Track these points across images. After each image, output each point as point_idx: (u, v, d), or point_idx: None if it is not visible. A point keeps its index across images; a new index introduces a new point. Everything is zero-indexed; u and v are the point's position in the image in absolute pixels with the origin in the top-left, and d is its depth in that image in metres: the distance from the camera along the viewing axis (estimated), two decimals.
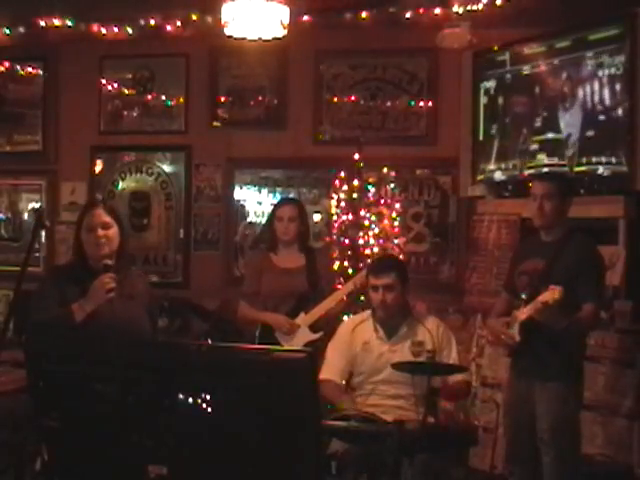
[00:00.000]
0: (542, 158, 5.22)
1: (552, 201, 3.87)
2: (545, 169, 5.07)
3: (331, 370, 4.06)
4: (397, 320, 4.05)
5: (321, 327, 4.63)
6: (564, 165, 5.04)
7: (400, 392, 3.90)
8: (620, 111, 4.72)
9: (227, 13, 4.34)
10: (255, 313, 4.72)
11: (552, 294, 3.49)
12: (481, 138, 5.73)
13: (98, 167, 6.79)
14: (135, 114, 6.70)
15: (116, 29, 6.16)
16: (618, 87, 4.73)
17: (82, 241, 3.48)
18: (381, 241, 5.09)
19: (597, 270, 3.86)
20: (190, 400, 2.03)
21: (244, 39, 4.62)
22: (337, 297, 4.67)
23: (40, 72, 6.85)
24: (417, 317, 4.13)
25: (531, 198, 3.96)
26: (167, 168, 6.68)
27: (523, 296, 3.82)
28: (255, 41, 4.68)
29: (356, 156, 5.20)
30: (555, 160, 5.12)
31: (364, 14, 5.66)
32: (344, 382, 4.20)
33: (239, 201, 6.49)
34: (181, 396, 2.04)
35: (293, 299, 4.67)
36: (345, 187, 5.19)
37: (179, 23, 6.04)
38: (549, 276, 3.75)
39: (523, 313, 3.74)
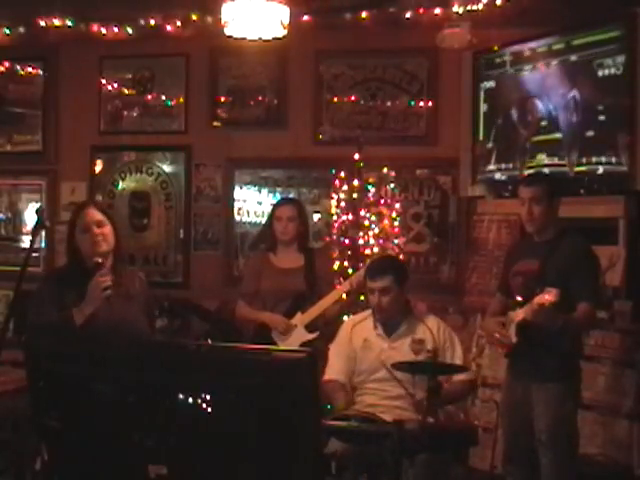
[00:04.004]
0: (542, 158, 5.22)
1: (540, 204, 3.87)
2: (546, 169, 5.07)
3: (333, 370, 4.06)
4: (397, 318, 4.05)
5: (317, 327, 4.63)
6: (564, 165, 5.04)
7: (400, 392, 3.90)
8: (620, 111, 4.72)
9: (227, 13, 4.34)
10: (252, 312, 4.73)
11: (548, 296, 3.48)
12: (481, 138, 5.73)
13: (98, 167, 6.79)
14: (135, 114, 6.70)
15: (116, 29, 6.16)
16: (618, 87, 4.73)
17: (77, 243, 3.46)
18: (381, 241, 5.08)
19: (591, 269, 3.85)
20: (190, 400, 2.03)
21: (244, 39, 4.62)
22: (333, 297, 4.66)
23: (40, 72, 6.86)
24: (418, 315, 4.13)
25: (519, 202, 3.96)
26: (167, 168, 6.68)
27: (518, 297, 3.82)
28: (255, 41, 4.68)
29: (356, 156, 5.20)
30: (555, 160, 5.12)
31: (364, 14, 5.66)
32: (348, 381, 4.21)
33: (239, 201, 6.49)
34: (181, 396, 2.04)
35: (290, 299, 4.67)
36: (345, 187, 5.19)
37: (179, 23, 6.04)
38: (543, 276, 3.75)
39: (519, 314, 3.74)
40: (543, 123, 5.24)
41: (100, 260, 3.39)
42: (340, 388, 4.02)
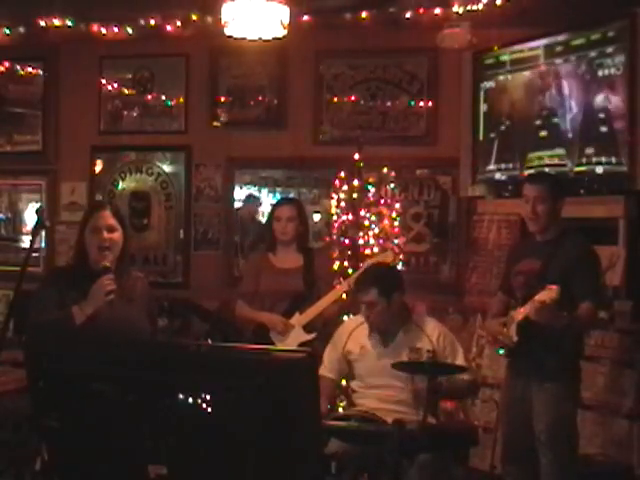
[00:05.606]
0: (542, 158, 5.22)
1: (545, 203, 3.86)
2: (546, 169, 5.07)
3: (324, 367, 4.05)
4: (394, 327, 4.00)
5: (315, 328, 4.62)
6: (564, 165, 5.04)
7: (400, 397, 3.89)
8: (620, 111, 4.72)
9: (227, 13, 4.34)
10: (251, 313, 4.72)
11: (549, 293, 3.48)
12: (481, 138, 5.73)
13: (98, 167, 6.80)
14: (135, 114, 6.70)
15: (116, 29, 6.17)
16: (618, 87, 4.73)
17: (85, 242, 3.47)
18: (381, 241, 5.08)
19: (593, 268, 3.85)
20: (190, 400, 2.03)
21: (244, 39, 4.62)
22: (331, 298, 4.64)
23: (40, 72, 6.86)
24: (416, 321, 4.05)
25: (523, 200, 3.96)
26: (167, 168, 6.68)
27: (519, 297, 3.82)
28: (255, 41, 4.68)
29: (356, 156, 5.20)
30: (555, 160, 5.12)
31: (364, 14, 5.66)
32: (343, 383, 4.20)
33: (239, 201, 6.49)
34: (181, 396, 2.04)
35: (289, 299, 4.67)
36: (345, 187, 5.19)
37: (179, 23, 6.05)
38: (545, 276, 3.74)
39: (520, 313, 3.73)
40: (543, 123, 5.24)
41: (108, 264, 3.38)
42: (327, 389, 3.99)
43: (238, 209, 6.46)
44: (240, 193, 6.48)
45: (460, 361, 3.98)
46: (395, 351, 3.94)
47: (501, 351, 4.00)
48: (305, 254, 4.75)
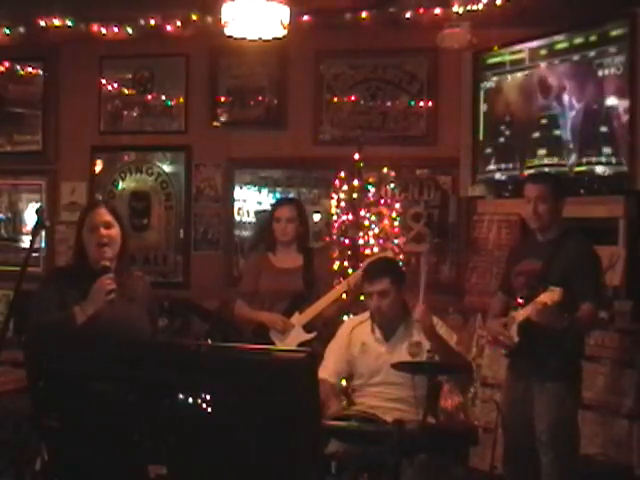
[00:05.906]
0: (542, 158, 5.22)
1: (546, 203, 3.86)
2: (546, 169, 5.07)
3: (326, 370, 4.05)
4: (395, 322, 4.03)
5: (315, 327, 4.62)
6: (564, 165, 5.04)
7: (400, 394, 3.89)
8: (620, 111, 4.72)
9: (227, 13, 4.34)
10: (251, 312, 4.72)
11: (552, 295, 3.48)
12: (481, 138, 5.73)
13: (98, 167, 6.80)
14: (135, 114, 6.70)
15: (116, 29, 6.17)
16: (618, 87, 4.73)
17: (83, 241, 3.47)
18: (381, 241, 5.08)
19: (594, 269, 3.85)
20: (190, 400, 2.03)
21: (244, 39, 4.63)
22: (331, 297, 4.64)
23: (40, 72, 6.86)
24: (415, 316, 4.09)
25: (525, 200, 3.96)
26: (167, 168, 6.68)
27: (520, 298, 3.82)
28: (255, 41, 4.68)
29: (356, 156, 5.20)
30: (555, 160, 5.12)
31: (364, 14, 5.66)
32: (343, 383, 4.20)
33: (239, 201, 6.49)
34: (181, 396, 2.04)
35: (289, 299, 4.67)
36: (345, 187, 5.19)
37: (179, 23, 6.05)
38: (546, 276, 3.74)
39: (521, 314, 3.73)
40: (543, 123, 5.24)
41: (107, 264, 3.38)
42: (332, 392, 3.98)
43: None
44: (240, 193, 6.48)
45: (453, 342, 3.96)
46: (396, 345, 3.98)
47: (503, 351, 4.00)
48: (305, 254, 4.75)
